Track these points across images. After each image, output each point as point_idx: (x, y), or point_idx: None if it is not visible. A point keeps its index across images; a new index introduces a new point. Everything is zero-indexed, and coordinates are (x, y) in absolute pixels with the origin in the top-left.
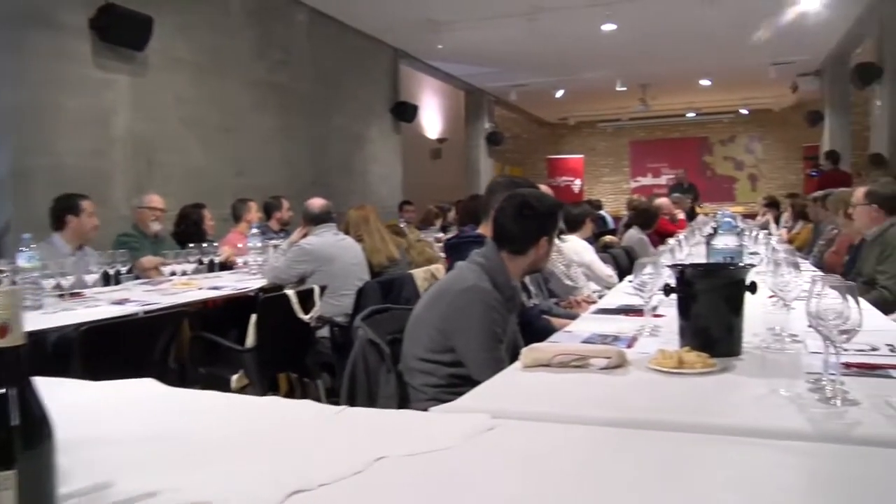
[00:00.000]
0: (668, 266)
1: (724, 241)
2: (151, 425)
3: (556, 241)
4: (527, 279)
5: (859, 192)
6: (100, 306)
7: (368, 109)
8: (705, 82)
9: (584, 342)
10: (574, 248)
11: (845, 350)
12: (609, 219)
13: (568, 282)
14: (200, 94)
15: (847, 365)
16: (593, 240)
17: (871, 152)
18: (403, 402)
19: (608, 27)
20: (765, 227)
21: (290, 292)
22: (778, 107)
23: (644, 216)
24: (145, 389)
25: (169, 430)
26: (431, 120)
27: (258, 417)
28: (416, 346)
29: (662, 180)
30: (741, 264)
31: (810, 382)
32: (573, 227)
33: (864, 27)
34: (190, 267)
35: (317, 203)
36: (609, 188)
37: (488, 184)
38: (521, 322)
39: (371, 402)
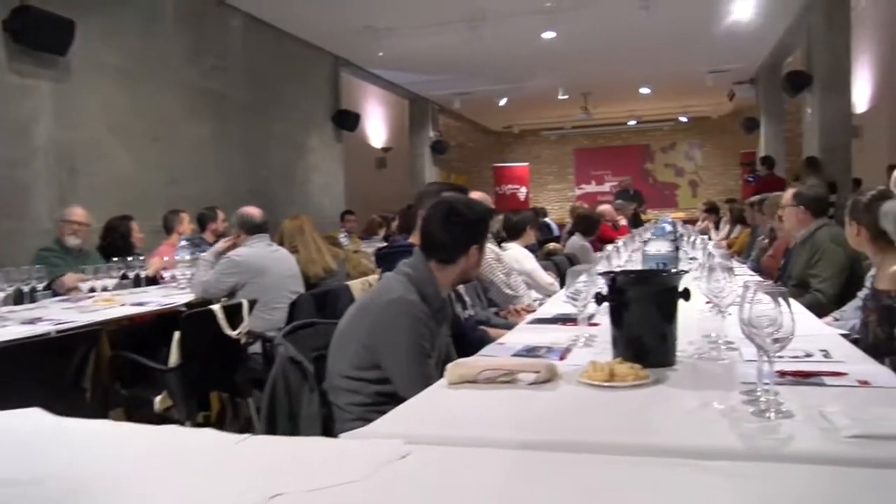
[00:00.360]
0: (600, 274)
1: (658, 247)
2: (28, 463)
3: (497, 249)
4: (462, 288)
5: (787, 194)
6: (7, 326)
7: (309, 118)
8: (645, 90)
9: (516, 355)
10: (514, 256)
11: (780, 357)
12: (554, 226)
13: (508, 290)
14: (129, 101)
15: (782, 373)
16: (538, 247)
17: (806, 156)
18: (328, 423)
19: (548, 35)
20: (705, 232)
21: (216, 307)
22: (716, 114)
23: (586, 223)
24: (30, 421)
25: (48, 469)
26: (376, 128)
27: (151, 450)
28: (341, 362)
29: (606, 187)
30: (673, 270)
31: (744, 394)
32: (514, 234)
33: (793, 37)
34: (111, 282)
35: (249, 212)
36: (554, 196)
37: (418, 191)
38: (455, 334)
39: (293, 423)
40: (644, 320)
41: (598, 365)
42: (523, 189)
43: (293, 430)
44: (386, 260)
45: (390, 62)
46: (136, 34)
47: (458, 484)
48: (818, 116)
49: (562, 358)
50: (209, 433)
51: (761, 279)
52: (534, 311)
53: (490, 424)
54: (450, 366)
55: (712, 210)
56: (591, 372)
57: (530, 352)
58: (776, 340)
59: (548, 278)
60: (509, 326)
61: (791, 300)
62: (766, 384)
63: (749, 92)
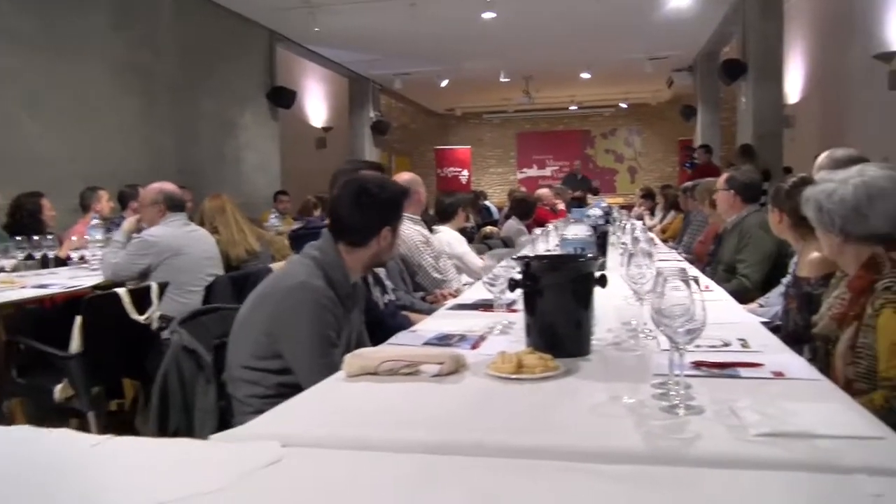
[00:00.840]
0: (514, 259)
1: (577, 232)
2: None
3: (426, 231)
4: (383, 272)
5: (721, 179)
6: None
7: (243, 94)
8: (586, 75)
9: (427, 343)
10: (445, 240)
11: (696, 347)
12: (494, 210)
13: (436, 275)
14: (44, 73)
15: (697, 364)
16: (476, 230)
17: (741, 144)
18: (226, 416)
19: (488, 15)
20: (640, 217)
21: (122, 291)
22: (655, 101)
23: (522, 206)
24: None
25: None
26: (316, 108)
27: None
28: (241, 352)
29: (548, 172)
30: (589, 256)
31: (656, 386)
32: (445, 217)
33: (730, 25)
34: (9, 262)
35: (166, 188)
36: (496, 179)
37: (335, 170)
38: (371, 321)
39: (187, 417)
40: (558, 308)
41: (507, 356)
42: (465, 172)
43: (187, 424)
44: (300, 242)
45: (328, 39)
46: (51, 2)
47: (332, 494)
48: (752, 104)
49: (475, 346)
50: (65, 435)
51: (688, 264)
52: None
53: (381, 423)
54: (348, 357)
55: (648, 196)
56: (499, 363)
57: (443, 340)
58: (688, 332)
59: (479, 262)
60: (433, 312)
61: (716, 285)
62: (678, 376)
63: (687, 79)
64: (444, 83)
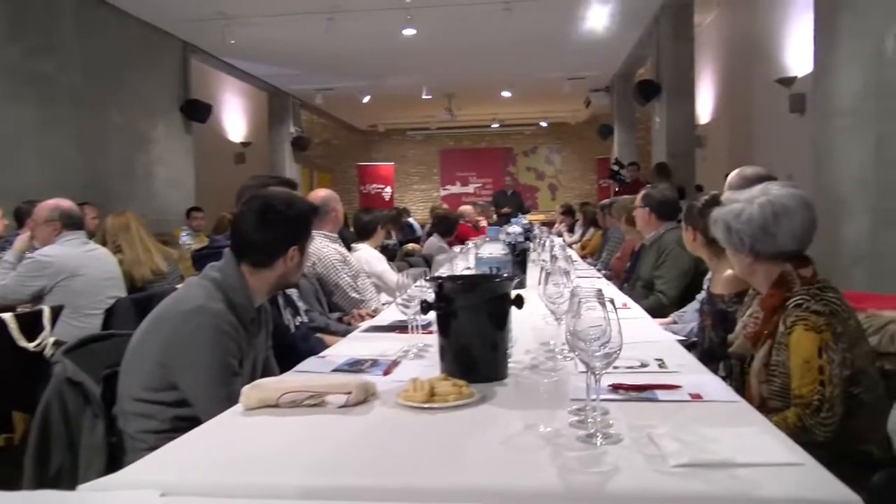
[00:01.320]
0: (427, 279)
1: (492, 251)
2: None
3: (343, 250)
4: (294, 293)
5: (638, 197)
6: None
7: (154, 107)
8: (507, 94)
9: (337, 370)
10: (363, 258)
11: (615, 368)
12: (417, 227)
13: (354, 294)
14: None
15: (615, 386)
16: (398, 247)
17: (656, 162)
18: (116, 453)
19: (409, 32)
20: (561, 234)
21: (7, 316)
22: (574, 120)
23: (444, 223)
24: None
25: None
26: (234, 122)
27: None
28: (132, 383)
29: (471, 189)
30: (504, 276)
31: (573, 413)
32: (364, 235)
33: (644, 48)
34: None
35: (62, 204)
36: (420, 196)
37: (241, 185)
38: (281, 345)
39: (72, 455)
40: (473, 331)
41: (419, 383)
42: (388, 189)
43: (72, 463)
44: (203, 262)
45: (245, 52)
46: None
47: None
48: (666, 124)
49: (386, 372)
50: None
51: (605, 281)
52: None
53: (276, 465)
54: (246, 389)
55: (568, 213)
56: (411, 391)
57: (353, 366)
58: (605, 356)
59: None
60: (350, 333)
61: (633, 302)
62: (594, 400)
63: (604, 99)
64: (367, 99)
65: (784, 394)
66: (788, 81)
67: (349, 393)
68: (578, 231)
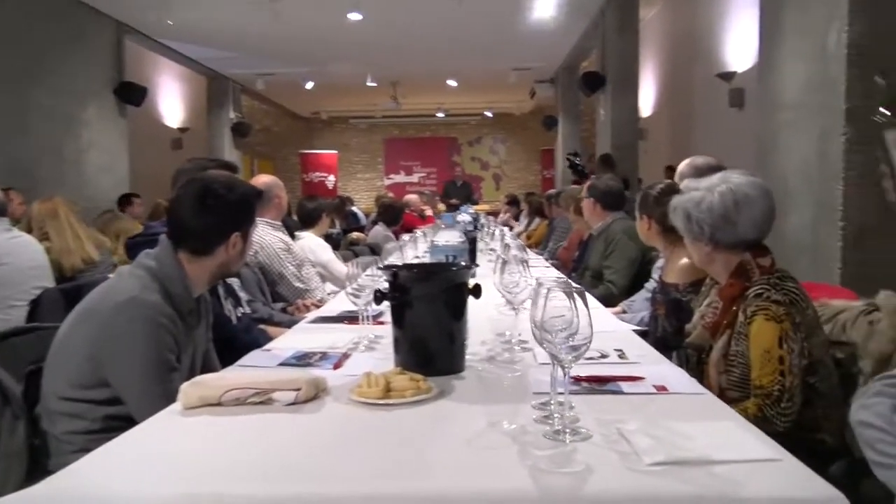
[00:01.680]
0: (380, 268)
1: (448, 238)
2: None
3: (287, 238)
4: (235, 282)
5: (584, 187)
6: None
7: (85, 88)
8: (452, 83)
9: (283, 364)
10: (308, 246)
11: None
12: (361, 216)
13: (299, 284)
14: None
15: (576, 379)
16: (342, 236)
17: (601, 154)
18: (40, 458)
19: (354, 16)
20: (506, 224)
21: None
22: (519, 111)
23: (390, 212)
24: None
25: None
26: (171, 106)
27: None
28: (59, 380)
29: (415, 178)
30: (462, 264)
31: (537, 408)
32: (308, 222)
33: (589, 40)
34: None
35: None
36: (364, 185)
37: (176, 169)
38: (222, 338)
39: None
40: (429, 322)
41: (374, 377)
42: (331, 177)
43: None
44: (137, 250)
45: (183, 34)
46: None
47: None
48: (610, 116)
49: (337, 366)
50: None
51: (558, 271)
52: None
53: (218, 470)
54: (185, 386)
55: (513, 203)
56: (365, 387)
57: (301, 359)
58: (572, 348)
59: (345, 269)
60: (295, 325)
61: (587, 293)
62: (561, 394)
63: (549, 91)
64: (310, 85)
65: (743, 384)
66: (728, 76)
67: (298, 389)
68: (524, 221)
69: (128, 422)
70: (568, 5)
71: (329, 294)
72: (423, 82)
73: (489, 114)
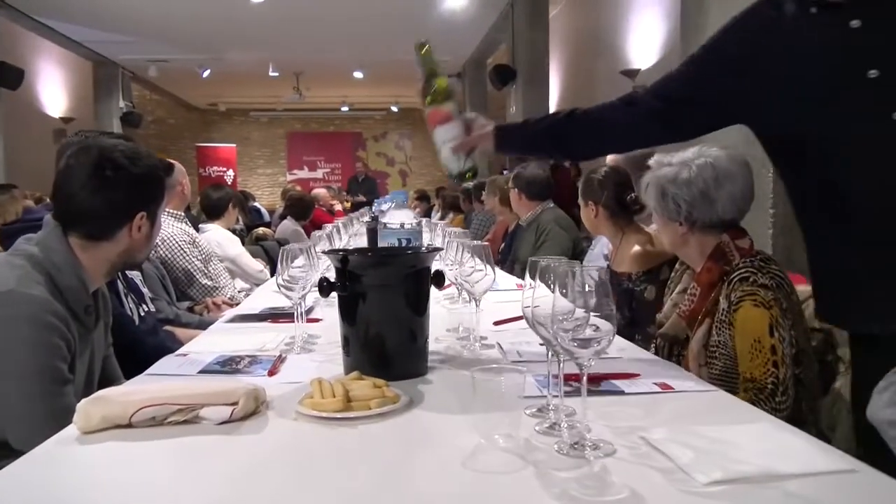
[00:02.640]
0: (326, 252)
1: (400, 219)
2: None
3: (191, 230)
4: (137, 276)
5: (510, 177)
6: None
7: None
8: (358, 74)
9: (204, 371)
10: (214, 240)
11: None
12: (264, 212)
13: (206, 280)
14: None
15: (567, 378)
16: (245, 232)
17: None
18: None
19: None
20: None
21: None
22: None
23: (299, 206)
24: None
25: None
26: (54, 94)
27: None
28: None
29: (319, 174)
30: (424, 247)
31: (534, 415)
32: (214, 214)
33: (499, 33)
34: None
35: None
36: (265, 181)
37: (62, 142)
38: (123, 343)
39: None
40: (387, 315)
41: (326, 384)
42: (230, 172)
43: None
44: (14, 239)
45: (64, 11)
46: None
47: None
48: (521, 109)
49: (272, 373)
50: None
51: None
52: (238, 304)
53: None
54: (83, 404)
55: (423, 198)
56: (318, 396)
57: (226, 365)
58: (590, 342)
59: (256, 265)
60: (207, 326)
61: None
62: (557, 397)
63: (456, 86)
64: (207, 73)
65: (727, 377)
66: (632, 73)
67: (234, 404)
68: (436, 216)
69: (8, 451)
70: None
71: (240, 292)
72: (328, 74)
73: (395, 108)
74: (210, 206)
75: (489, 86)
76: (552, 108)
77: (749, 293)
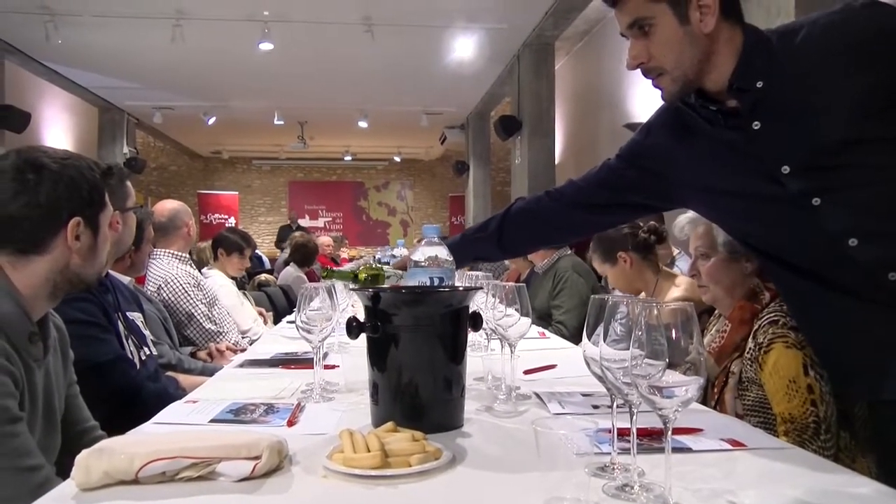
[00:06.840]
0: (353, 289)
1: (433, 254)
2: None
3: (196, 273)
4: (138, 318)
5: None
6: None
7: None
8: (363, 124)
9: (216, 420)
10: (218, 284)
11: (595, 408)
12: (265, 259)
13: (210, 325)
14: None
15: (621, 433)
16: (247, 279)
17: (518, 197)
18: None
19: (265, 46)
20: None
21: None
22: (427, 157)
23: (303, 252)
24: None
25: None
26: (58, 137)
27: None
28: None
29: (320, 223)
30: (462, 287)
31: (596, 474)
32: (226, 252)
33: (504, 86)
34: None
35: None
36: (266, 229)
37: None
38: (121, 388)
39: None
40: (423, 360)
41: (358, 437)
42: (232, 220)
43: None
44: None
45: (72, 58)
46: None
47: None
48: (527, 159)
49: (291, 423)
50: None
51: None
52: (243, 350)
53: None
54: (83, 456)
55: None
56: (349, 451)
57: (240, 414)
58: (684, 390)
59: (245, 323)
60: (211, 372)
61: (549, 332)
62: (621, 453)
63: (459, 136)
64: (212, 121)
65: (760, 407)
66: (635, 126)
67: (257, 458)
68: None
69: None
70: (482, 49)
71: (244, 336)
72: (333, 123)
73: (397, 158)
74: (230, 245)
75: (493, 137)
76: (557, 159)
77: (780, 335)
